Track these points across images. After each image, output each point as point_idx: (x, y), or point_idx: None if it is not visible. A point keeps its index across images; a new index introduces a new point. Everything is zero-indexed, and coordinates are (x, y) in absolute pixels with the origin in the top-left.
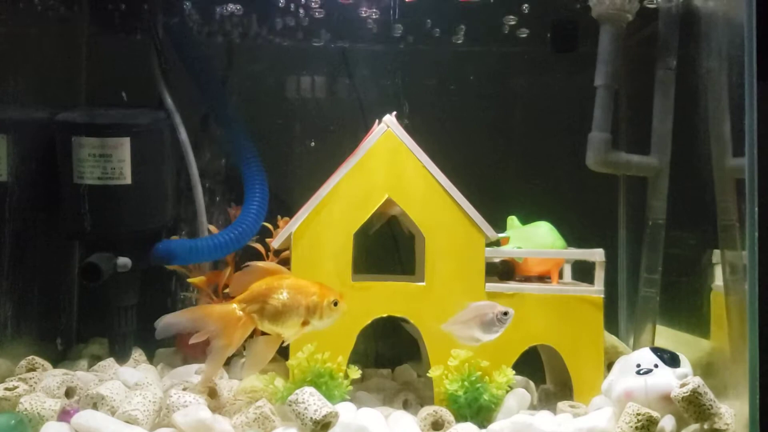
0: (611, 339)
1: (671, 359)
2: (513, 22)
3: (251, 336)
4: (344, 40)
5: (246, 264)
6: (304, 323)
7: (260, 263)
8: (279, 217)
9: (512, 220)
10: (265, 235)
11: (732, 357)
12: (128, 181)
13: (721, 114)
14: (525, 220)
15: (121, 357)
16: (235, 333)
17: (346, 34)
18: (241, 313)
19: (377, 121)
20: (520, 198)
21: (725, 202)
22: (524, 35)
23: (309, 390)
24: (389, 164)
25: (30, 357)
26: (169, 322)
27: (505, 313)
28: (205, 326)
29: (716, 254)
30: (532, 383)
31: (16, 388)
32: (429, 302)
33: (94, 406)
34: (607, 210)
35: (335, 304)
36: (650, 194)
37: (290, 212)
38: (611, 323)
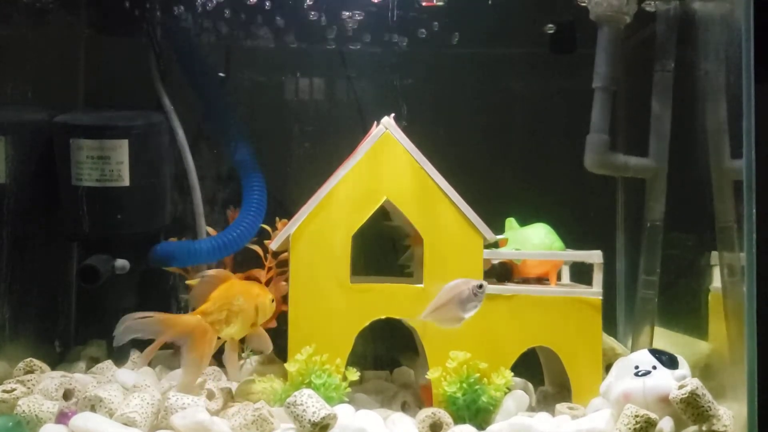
0: (609, 341)
1: (669, 361)
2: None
3: None
4: (342, 42)
5: (202, 274)
6: (253, 324)
7: (213, 272)
8: (277, 218)
9: (510, 222)
10: (263, 236)
11: (730, 359)
12: (126, 183)
13: (719, 116)
14: (523, 221)
15: (120, 359)
16: (206, 345)
17: (345, 36)
18: (207, 324)
19: (375, 122)
20: (518, 200)
21: (723, 203)
22: (522, 36)
23: (307, 392)
24: (387, 166)
25: (28, 359)
26: (129, 326)
27: (480, 286)
28: (172, 336)
29: (714, 256)
30: (530, 385)
31: (14, 390)
32: (427, 304)
33: (92, 409)
34: (606, 212)
35: (272, 301)
36: (648, 196)
37: (289, 214)
38: (609, 325)
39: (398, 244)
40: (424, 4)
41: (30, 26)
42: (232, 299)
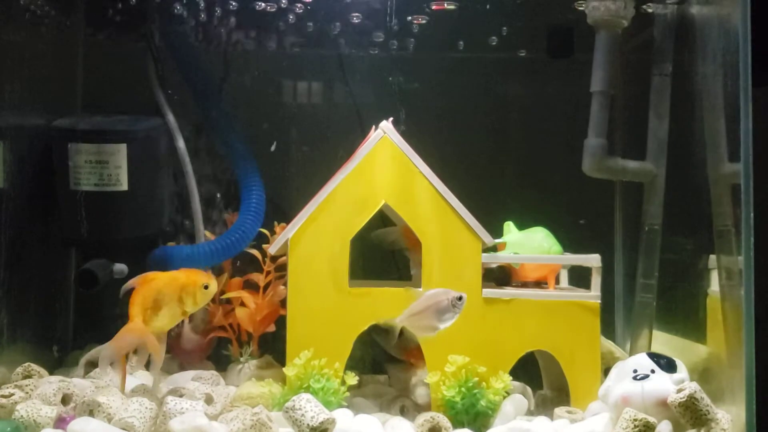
0: (608, 344)
1: (668, 364)
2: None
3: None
4: (341, 46)
5: (125, 286)
6: (183, 313)
7: (134, 279)
8: (276, 222)
9: (509, 226)
10: (262, 240)
11: (728, 362)
12: (125, 187)
13: (717, 119)
14: (522, 225)
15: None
16: (152, 342)
17: (343, 40)
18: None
19: (374, 127)
20: (516, 204)
21: (721, 207)
22: (520, 41)
23: (306, 396)
24: (386, 170)
25: (26, 364)
26: (104, 357)
27: (459, 299)
28: (129, 347)
29: (712, 259)
30: (529, 389)
31: (12, 395)
32: None
33: (91, 413)
34: (604, 216)
35: (206, 287)
36: (646, 200)
37: (287, 218)
38: (608, 328)
39: (398, 254)
40: (434, 8)
41: (28, 30)
42: (153, 295)
